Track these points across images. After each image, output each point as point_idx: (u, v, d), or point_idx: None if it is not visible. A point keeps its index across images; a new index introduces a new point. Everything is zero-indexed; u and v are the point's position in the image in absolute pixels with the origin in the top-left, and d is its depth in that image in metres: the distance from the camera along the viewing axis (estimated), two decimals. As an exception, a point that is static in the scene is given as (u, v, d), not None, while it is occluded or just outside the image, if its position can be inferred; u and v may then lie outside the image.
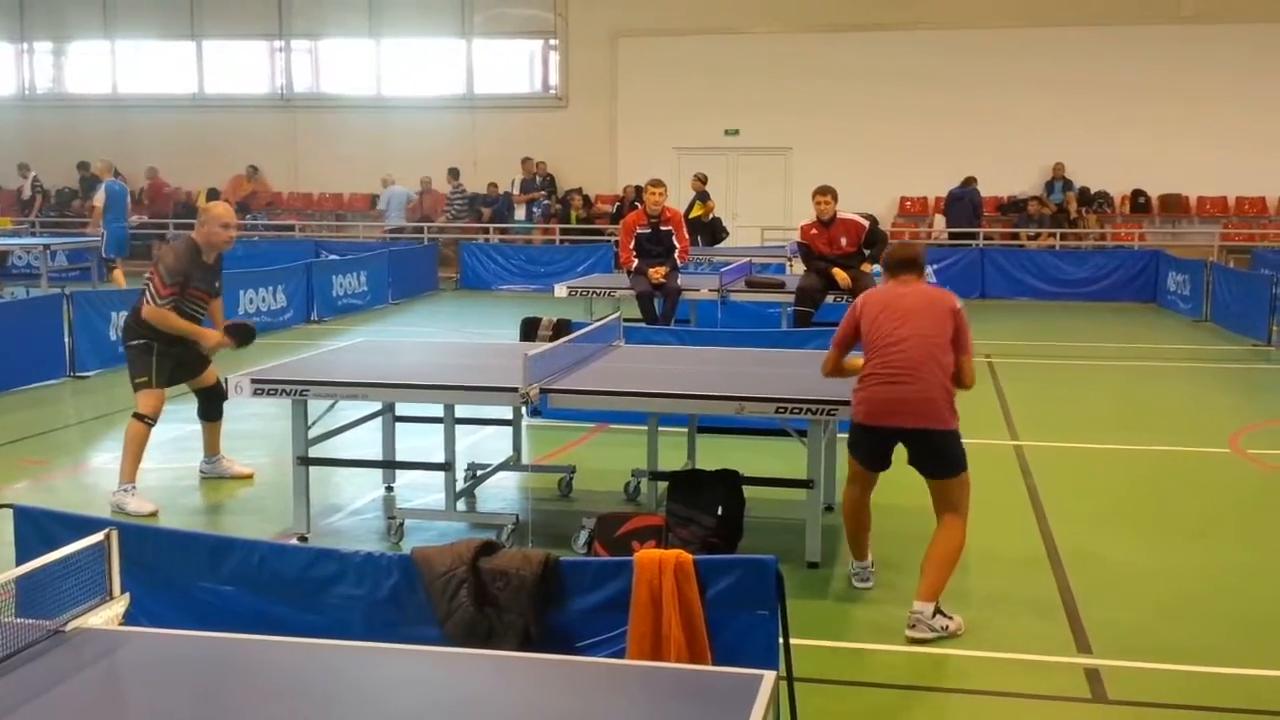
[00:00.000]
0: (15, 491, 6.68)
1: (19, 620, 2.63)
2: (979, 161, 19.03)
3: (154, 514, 6.29)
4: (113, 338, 10.59)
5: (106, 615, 2.73)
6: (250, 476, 6.96)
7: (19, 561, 3.45)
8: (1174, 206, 19.72)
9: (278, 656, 2.59)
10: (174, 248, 6.63)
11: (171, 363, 6.56)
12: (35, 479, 7.11)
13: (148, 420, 6.46)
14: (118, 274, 15.07)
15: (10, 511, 3.82)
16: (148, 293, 6.45)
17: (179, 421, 7.91)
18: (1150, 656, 4.56)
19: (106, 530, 2.80)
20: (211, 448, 6.99)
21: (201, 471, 7.01)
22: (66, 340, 10.29)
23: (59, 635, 2.60)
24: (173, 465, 7.20)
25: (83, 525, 3.44)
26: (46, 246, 16.30)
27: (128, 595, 2.81)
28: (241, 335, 6.73)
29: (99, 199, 15.68)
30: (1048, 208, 19.34)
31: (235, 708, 2.34)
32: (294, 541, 5.27)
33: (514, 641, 3.23)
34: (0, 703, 2.31)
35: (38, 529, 3.73)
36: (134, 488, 6.43)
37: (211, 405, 6.88)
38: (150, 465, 6.94)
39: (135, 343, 6.51)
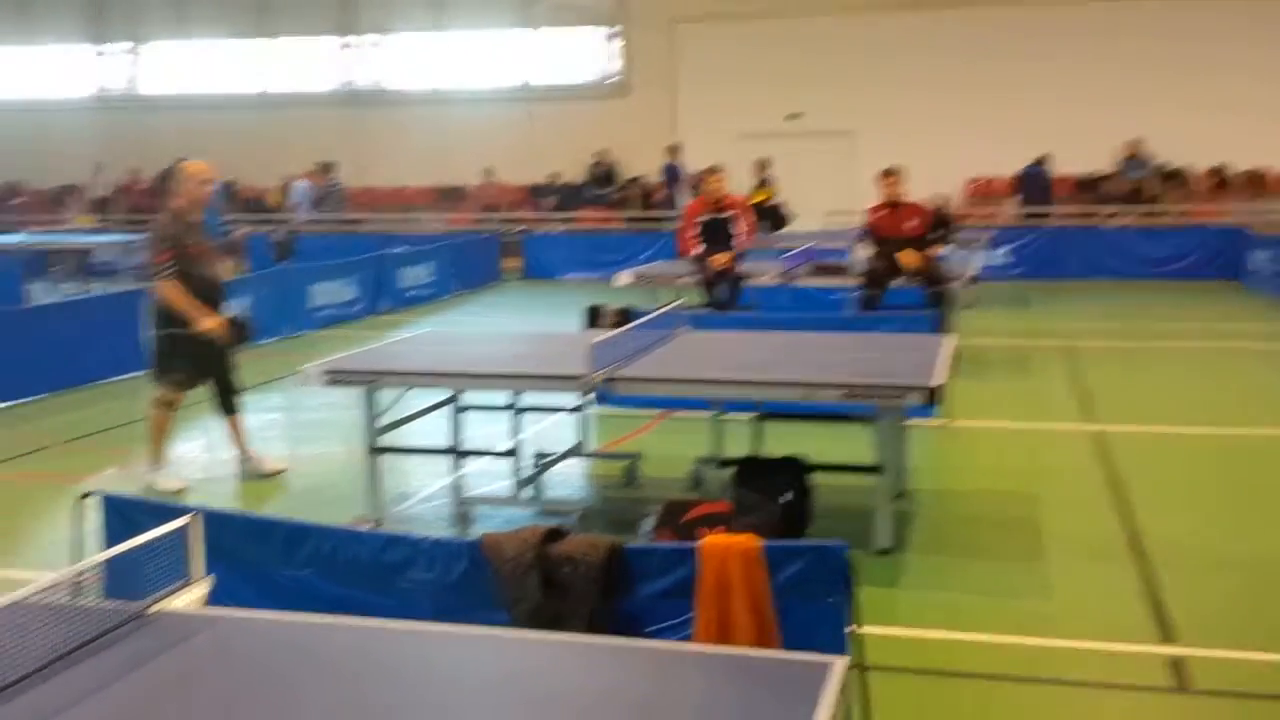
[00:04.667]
0: (100, 480, 6.88)
1: (106, 603, 2.70)
2: (1052, 139, 18.63)
3: (181, 490, 6.50)
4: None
5: (189, 598, 2.80)
6: (282, 472, 6.93)
7: (105, 547, 3.56)
8: (1256, 182, 19.14)
9: (353, 638, 2.64)
10: (158, 220, 6.83)
11: (200, 360, 6.66)
12: (118, 468, 7.31)
13: (169, 407, 6.67)
14: None
15: (98, 499, 3.93)
16: (153, 272, 6.61)
17: (258, 411, 8.07)
18: (1237, 645, 4.44)
19: (189, 516, 2.87)
20: (240, 444, 6.97)
21: (242, 470, 6.99)
22: (146, 334, 10.53)
23: (144, 618, 2.67)
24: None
25: (166, 512, 3.52)
26: (126, 243, 16.70)
27: (210, 578, 2.88)
28: (238, 332, 6.76)
29: None
30: (1125, 185, 18.90)
31: (314, 686, 2.39)
32: (367, 527, 5.35)
33: (581, 626, 3.24)
34: (90, 682, 2.38)
35: (123, 516, 3.84)
36: (161, 468, 6.64)
37: (227, 397, 6.91)
38: (227, 455, 7.10)
39: (162, 333, 6.66)
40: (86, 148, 22.70)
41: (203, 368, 6.72)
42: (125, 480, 6.87)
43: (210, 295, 6.67)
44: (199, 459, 7.50)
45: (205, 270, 6.68)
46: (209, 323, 6.55)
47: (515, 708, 2.31)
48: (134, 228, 20.82)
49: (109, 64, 24.40)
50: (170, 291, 6.52)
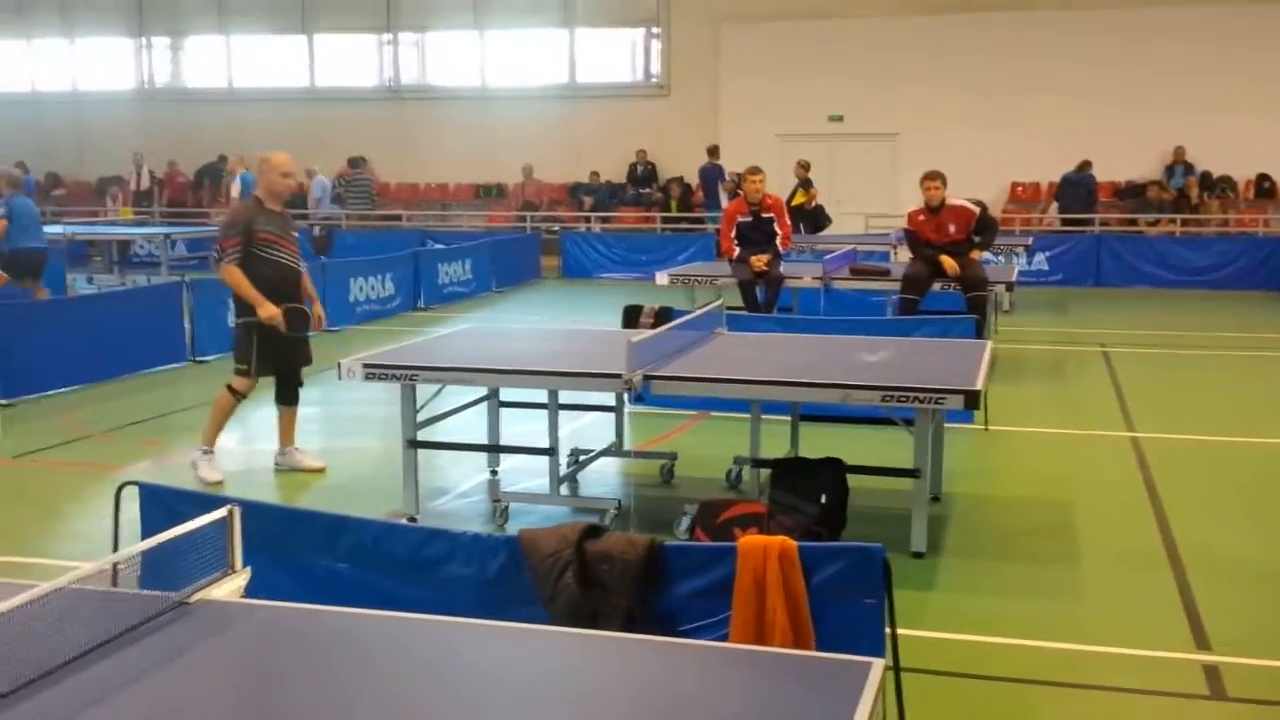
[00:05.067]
0: (137, 470, 6.96)
1: (146, 592, 2.72)
2: (1095, 145, 18.46)
3: (219, 483, 6.56)
4: (230, 324, 10.94)
5: (229, 588, 2.82)
6: (322, 470, 6.94)
7: (143, 536, 3.59)
8: (1302, 191, 18.88)
9: (392, 631, 2.65)
10: (232, 206, 6.91)
11: (277, 350, 6.70)
12: (155, 459, 7.39)
13: (239, 395, 6.72)
14: None
15: (136, 489, 3.97)
16: (218, 256, 6.72)
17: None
18: (1273, 654, 4.39)
19: (229, 507, 2.89)
20: (286, 437, 6.98)
21: (275, 464, 7.01)
22: (186, 326, 10.66)
23: (184, 607, 2.69)
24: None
25: (205, 502, 3.56)
26: (167, 236, 16.90)
27: (249, 569, 2.90)
28: (295, 320, 6.75)
29: (235, 189, 16.25)
30: (1168, 193, 18.67)
31: (352, 679, 2.40)
32: (404, 522, 5.38)
33: (618, 623, 3.25)
34: (130, 669, 2.40)
35: (162, 506, 3.87)
36: (211, 453, 6.72)
37: (288, 389, 6.95)
38: (267, 446, 7.16)
39: (240, 321, 6.74)
40: (128, 141, 22.99)
41: (271, 358, 6.74)
42: (159, 470, 6.95)
43: (283, 286, 6.69)
44: (236, 450, 7.57)
45: (280, 259, 6.69)
46: (266, 311, 6.57)
47: (553, 704, 2.31)
48: (173, 220, 21.12)
49: (151, 58, 24.69)
50: (231, 276, 6.59)
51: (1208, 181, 18.80)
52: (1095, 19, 18.91)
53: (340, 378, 5.92)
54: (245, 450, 7.62)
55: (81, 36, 24.73)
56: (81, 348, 9.56)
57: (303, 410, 7.14)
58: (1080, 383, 9.85)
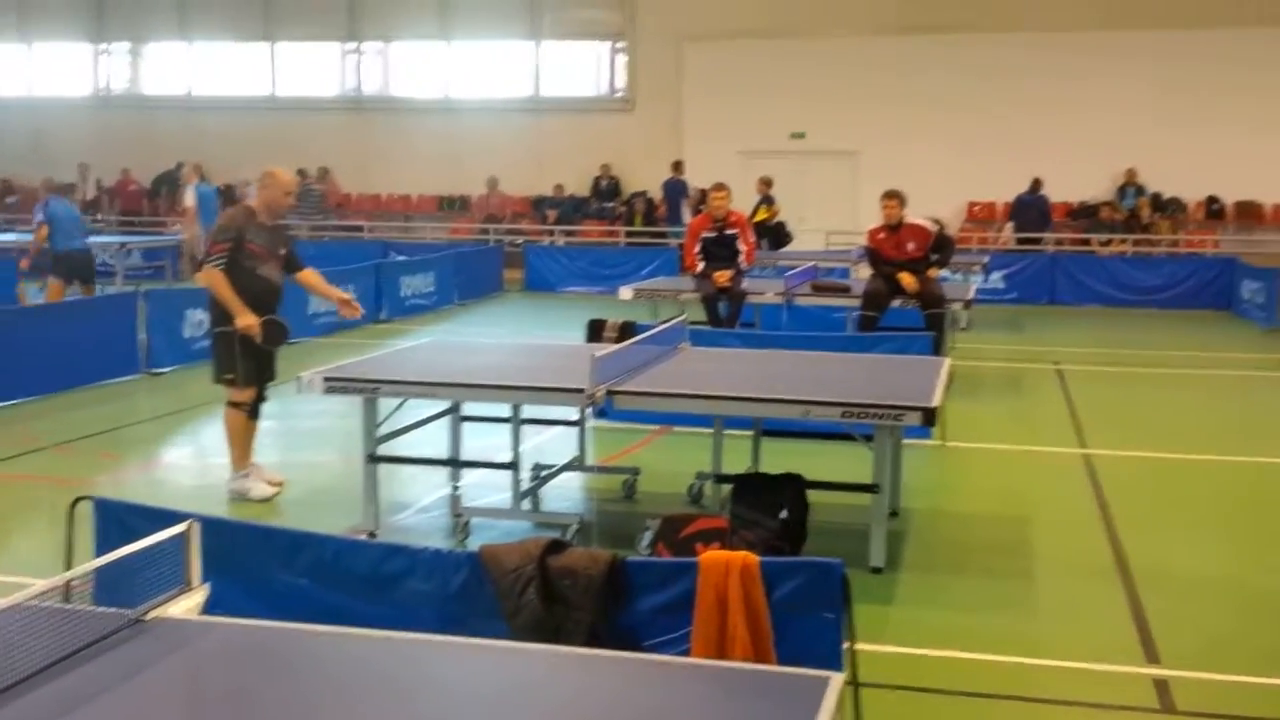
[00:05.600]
0: (91, 484, 6.85)
1: (102, 609, 2.69)
2: (1049, 166, 18.76)
3: (273, 497, 6.51)
4: (187, 335, 10.84)
5: (186, 605, 2.79)
6: (281, 485, 6.83)
7: (98, 552, 3.55)
8: (1249, 213, 19.28)
9: (351, 648, 2.64)
10: (228, 212, 6.92)
11: (255, 357, 6.64)
12: (109, 473, 7.29)
13: (242, 406, 6.62)
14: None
15: (90, 503, 3.93)
16: (202, 260, 6.66)
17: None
18: (1221, 668, 4.48)
19: (188, 522, 2.87)
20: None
21: None
22: (141, 337, 10.53)
23: (140, 624, 2.66)
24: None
25: (161, 517, 3.52)
26: (122, 245, 16.70)
27: (207, 586, 2.87)
28: (272, 332, 6.70)
29: (190, 200, 16.07)
30: (1119, 214, 18.99)
31: (310, 696, 2.39)
32: (364, 537, 5.35)
33: (581, 639, 3.26)
34: (85, 688, 2.38)
35: (117, 521, 3.83)
36: (248, 473, 6.61)
37: (253, 404, 6.85)
38: (224, 460, 7.08)
39: (219, 330, 6.63)
40: (84, 147, 22.69)
41: (255, 365, 6.68)
42: (113, 485, 6.85)
43: (264, 298, 6.63)
44: (192, 465, 7.50)
45: (265, 272, 6.64)
46: (245, 320, 6.49)
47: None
48: (126, 230, 20.85)
49: (109, 64, 24.39)
50: (211, 279, 6.50)
51: (1158, 203, 19.15)
52: (1050, 42, 19.21)
53: (299, 390, 5.88)
54: (202, 465, 7.55)
55: (39, 41, 24.41)
56: (35, 359, 9.41)
57: (262, 423, 7.08)
58: (1035, 399, 9.99)
